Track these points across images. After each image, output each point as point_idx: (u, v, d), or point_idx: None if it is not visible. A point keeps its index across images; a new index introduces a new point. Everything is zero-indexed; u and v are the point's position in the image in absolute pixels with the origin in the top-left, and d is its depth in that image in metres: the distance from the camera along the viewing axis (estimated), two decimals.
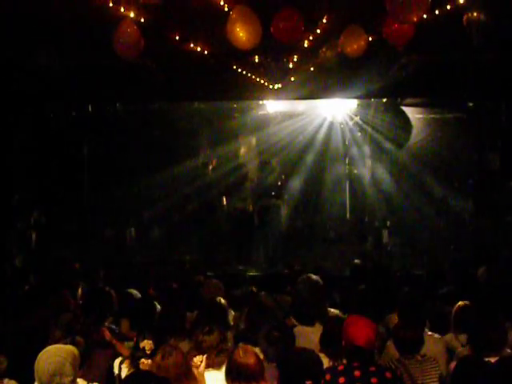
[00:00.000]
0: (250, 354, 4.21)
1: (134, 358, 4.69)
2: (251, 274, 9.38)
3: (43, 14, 7.70)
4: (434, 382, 4.69)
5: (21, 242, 10.75)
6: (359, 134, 13.10)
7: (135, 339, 4.92)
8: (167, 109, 12.78)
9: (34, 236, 11.07)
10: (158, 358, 4.21)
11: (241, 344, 4.45)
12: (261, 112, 13.37)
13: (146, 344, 4.67)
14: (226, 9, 6.90)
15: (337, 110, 13.14)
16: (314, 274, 7.92)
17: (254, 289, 7.28)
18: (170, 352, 4.22)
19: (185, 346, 5.05)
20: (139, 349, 4.69)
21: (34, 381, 4.10)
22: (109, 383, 4.78)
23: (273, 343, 4.76)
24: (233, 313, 6.60)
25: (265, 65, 9.62)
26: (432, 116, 13.00)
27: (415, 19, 6.85)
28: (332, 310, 6.58)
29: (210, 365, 4.67)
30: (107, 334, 5.44)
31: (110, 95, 10.62)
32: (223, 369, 4.69)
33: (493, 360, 4.40)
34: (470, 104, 12.35)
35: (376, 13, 7.45)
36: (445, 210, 12.38)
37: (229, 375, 4.21)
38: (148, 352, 4.65)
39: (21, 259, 10.23)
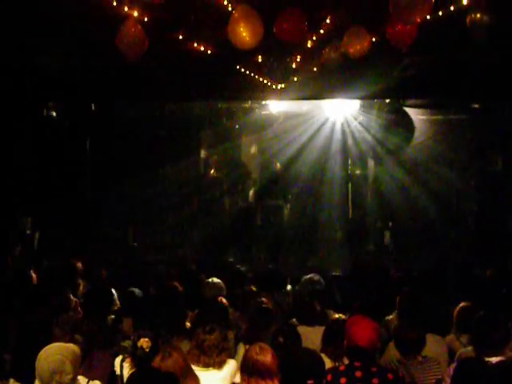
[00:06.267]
0: (266, 352, 4.26)
1: (136, 356, 4.68)
2: (252, 273, 9.35)
3: (45, 13, 7.70)
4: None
5: (23, 240, 10.74)
6: (362, 134, 13.07)
7: (132, 338, 4.89)
8: (169, 109, 12.77)
9: (36, 235, 11.07)
10: (158, 359, 4.22)
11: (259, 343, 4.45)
12: (263, 112, 13.35)
13: (143, 342, 4.65)
14: (230, 8, 6.88)
15: (339, 111, 13.12)
16: (316, 275, 7.98)
17: (254, 288, 7.28)
18: (170, 353, 4.23)
19: (185, 345, 5.05)
20: (137, 347, 4.67)
21: (35, 379, 4.11)
22: (110, 382, 4.78)
23: (278, 348, 4.74)
24: (233, 312, 6.61)
25: (268, 65, 9.62)
26: (435, 117, 12.98)
27: (418, 20, 6.85)
28: (331, 311, 6.59)
29: (210, 364, 4.68)
30: None
31: (112, 95, 10.62)
32: (224, 368, 4.71)
33: (494, 360, 4.39)
34: (474, 105, 12.33)
35: (379, 13, 7.45)
36: (447, 211, 12.36)
37: (244, 371, 4.25)
38: (147, 350, 4.64)
39: (23, 258, 10.22)
